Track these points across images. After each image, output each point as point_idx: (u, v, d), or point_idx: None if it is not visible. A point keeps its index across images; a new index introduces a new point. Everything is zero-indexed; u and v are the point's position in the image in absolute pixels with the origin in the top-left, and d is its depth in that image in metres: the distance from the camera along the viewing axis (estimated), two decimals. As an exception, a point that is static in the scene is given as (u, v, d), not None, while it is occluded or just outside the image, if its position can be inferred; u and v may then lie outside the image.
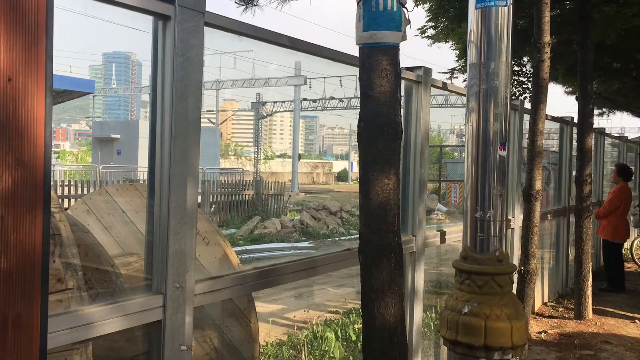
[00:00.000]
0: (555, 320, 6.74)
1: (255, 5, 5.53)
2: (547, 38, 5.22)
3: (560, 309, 7.21)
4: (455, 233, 4.46)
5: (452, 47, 9.12)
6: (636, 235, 11.59)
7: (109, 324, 1.95)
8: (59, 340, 1.76)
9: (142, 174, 22.95)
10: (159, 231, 2.15)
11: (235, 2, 5.50)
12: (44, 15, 1.21)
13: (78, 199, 13.03)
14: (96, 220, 3.49)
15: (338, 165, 75.03)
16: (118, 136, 29.95)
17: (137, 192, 3.49)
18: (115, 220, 3.48)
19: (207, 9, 2.25)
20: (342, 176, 65.02)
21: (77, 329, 1.84)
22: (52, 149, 1.28)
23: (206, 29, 2.26)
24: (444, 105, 37.07)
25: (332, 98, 39.02)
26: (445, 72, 9.59)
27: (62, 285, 2.07)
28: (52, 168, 1.29)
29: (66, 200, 14.13)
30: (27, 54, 1.21)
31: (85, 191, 15.05)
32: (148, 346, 2.21)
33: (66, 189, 15.03)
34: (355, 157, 74.74)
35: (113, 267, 2.52)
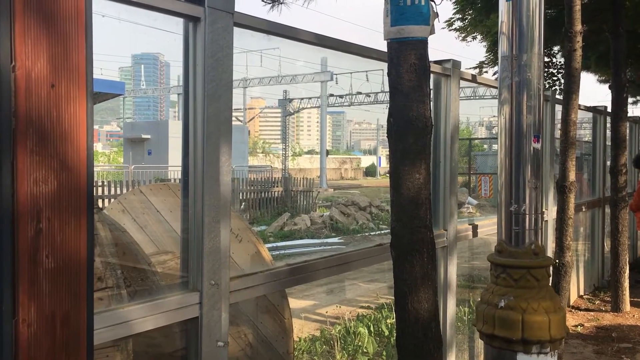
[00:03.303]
0: (591, 313, 6.63)
1: (281, 3, 5.56)
2: (578, 27, 5.12)
3: (597, 302, 7.09)
4: (487, 226, 4.42)
5: (480, 41, 9.02)
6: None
7: (148, 321, 1.99)
8: (101, 337, 1.80)
9: (173, 173, 23.28)
10: (194, 229, 2.19)
11: (262, 1, 5.53)
12: (84, 22, 1.24)
13: (112, 199, 13.28)
14: (131, 219, 3.56)
15: (366, 161, 74.78)
16: (148, 136, 30.40)
17: (170, 192, 3.55)
18: (150, 219, 3.54)
19: (235, 9, 2.27)
20: (370, 171, 64.78)
21: (118, 326, 1.89)
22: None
23: (235, 29, 2.28)
24: (472, 98, 36.65)
25: (359, 93, 38.91)
26: (474, 68, 9.47)
27: (102, 284, 2.12)
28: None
29: (100, 201, 14.42)
30: (68, 60, 1.24)
31: (118, 191, 15.33)
32: (186, 342, 2.26)
33: (100, 189, 15.34)
34: (383, 152, 74.45)
35: (150, 265, 2.57)
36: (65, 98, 1.24)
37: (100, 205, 13.24)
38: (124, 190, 15.14)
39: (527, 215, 2.83)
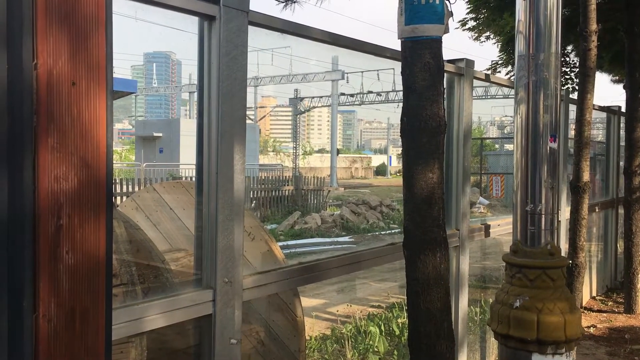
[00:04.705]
0: (604, 314, 6.58)
1: (295, 2, 5.56)
2: (593, 26, 5.09)
3: (610, 303, 7.04)
4: (499, 227, 4.40)
5: (493, 42, 8.98)
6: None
7: (163, 317, 2.00)
8: (116, 333, 1.82)
9: (185, 171, 23.38)
10: (208, 227, 2.20)
11: (276, 0, 5.54)
12: (104, 20, 1.26)
13: (124, 197, 13.36)
14: (145, 217, 3.58)
15: (376, 160, 74.63)
16: (160, 134, 30.55)
17: (183, 190, 3.57)
18: (163, 217, 3.56)
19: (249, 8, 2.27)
20: (380, 170, 64.67)
21: (132, 322, 1.90)
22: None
23: (249, 27, 2.29)
24: (484, 97, 36.42)
25: (370, 92, 38.77)
26: (488, 68, 9.42)
27: (116, 280, 2.14)
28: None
29: (113, 198, 14.48)
30: (88, 58, 1.26)
31: (130, 189, 15.42)
32: (199, 339, 2.27)
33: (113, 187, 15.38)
34: (393, 151, 74.25)
35: (163, 262, 2.58)
36: (85, 95, 1.25)
37: (114, 202, 13.30)
38: (136, 188, 15.23)
39: (543, 215, 2.82)
